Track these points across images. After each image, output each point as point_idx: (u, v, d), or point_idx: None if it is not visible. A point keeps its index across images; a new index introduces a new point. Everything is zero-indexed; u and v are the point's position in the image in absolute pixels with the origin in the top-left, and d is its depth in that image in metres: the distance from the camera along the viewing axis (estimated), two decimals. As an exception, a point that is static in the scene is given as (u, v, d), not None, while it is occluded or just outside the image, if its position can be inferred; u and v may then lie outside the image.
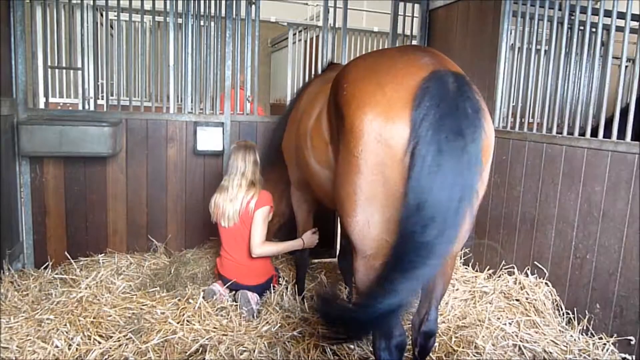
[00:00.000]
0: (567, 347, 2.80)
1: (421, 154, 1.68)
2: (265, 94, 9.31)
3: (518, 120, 3.64)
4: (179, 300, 3.13)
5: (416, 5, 4.82)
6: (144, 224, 4.22)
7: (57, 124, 3.47)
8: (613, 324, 2.82)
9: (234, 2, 4.17)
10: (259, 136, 4.38)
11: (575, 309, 3.06)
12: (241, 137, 4.34)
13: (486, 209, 3.74)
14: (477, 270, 3.85)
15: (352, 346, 2.76)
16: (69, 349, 2.59)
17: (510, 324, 2.99)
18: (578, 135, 3.13)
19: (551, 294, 3.19)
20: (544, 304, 3.13)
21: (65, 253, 3.92)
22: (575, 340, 2.88)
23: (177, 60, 4.22)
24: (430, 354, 2.71)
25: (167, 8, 4.15)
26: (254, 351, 2.62)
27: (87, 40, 4.39)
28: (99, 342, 2.66)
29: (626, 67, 4.57)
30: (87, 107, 4.25)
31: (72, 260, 3.80)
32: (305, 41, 6.70)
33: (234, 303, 3.21)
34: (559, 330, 2.97)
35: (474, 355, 2.72)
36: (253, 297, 3.25)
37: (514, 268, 3.51)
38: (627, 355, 2.72)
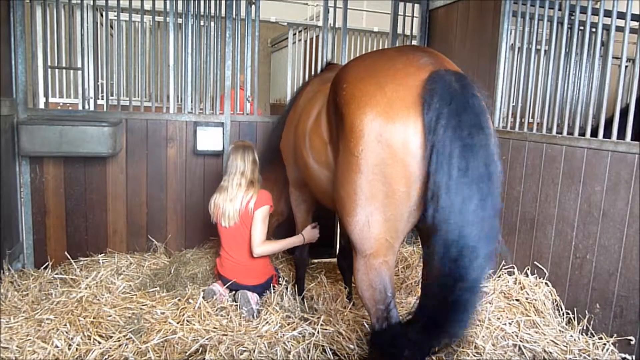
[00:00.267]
0: (567, 347, 2.80)
1: (445, 153, 1.68)
2: (265, 94, 9.32)
3: (518, 120, 3.64)
4: (179, 300, 3.13)
5: (416, 5, 4.82)
6: (144, 224, 4.22)
7: (57, 124, 3.47)
8: (613, 324, 2.82)
9: (234, 2, 4.17)
10: (259, 136, 4.39)
11: (575, 309, 3.06)
12: (241, 137, 4.35)
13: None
14: (477, 270, 3.85)
15: (351, 346, 2.76)
16: (69, 349, 2.59)
17: (510, 324, 2.99)
18: (578, 135, 3.13)
19: (551, 294, 3.19)
20: (544, 304, 3.13)
21: (65, 253, 3.92)
22: (575, 340, 2.88)
23: (177, 60, 4.22)
24: (430, 354, 2.71)
25: (167, 8, 4.15)
26: (254, 351, 2.62)
27: (87, 40, 4.39)
28: (99, 342, 2.66)
29: (626, 67, 4.57)
30: (87, 107, 4.25)
31: (72, 260, 3.80)
32: (305, 41, 6.70)
33: (234, 303, 3.21)
34: (559, 330, 2.97)
35: (474, 355, 2.71)
36: (253, 297, 3.25)
37: (514, 268, 3.51)
38: (627, 355, 2.72)
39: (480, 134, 1.71)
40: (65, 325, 2.79)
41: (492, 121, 1.98)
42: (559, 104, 3.41)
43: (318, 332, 2.80)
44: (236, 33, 4.25)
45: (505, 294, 3.35)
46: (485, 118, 1.76)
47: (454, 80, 1.80)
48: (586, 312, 2.98)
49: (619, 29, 2.97)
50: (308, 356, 2.65)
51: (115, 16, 4.22)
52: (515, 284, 3.38)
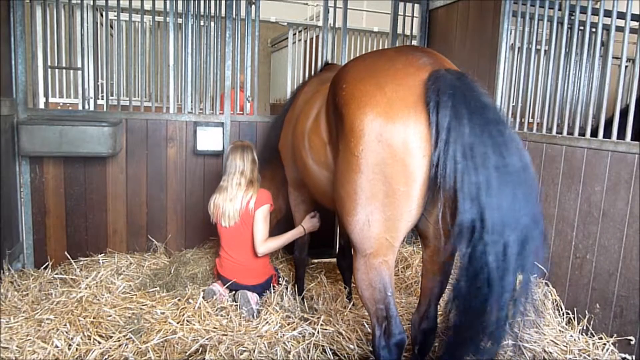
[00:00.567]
0: (567, 347, 2.80)
1: (479, 152, 1.64)
2: (265, 94, 9.31)
3: (518, 120, 3.64)
4: (179, 300, 3.13)
5: (416, 5, 4.82)
6: (144, 224, 4.22)
7: (57, 124, 3.47)
8: (613, 324, 2.82)
9: (234, 2, 4.17)
10: (259, 136, 4.39)
11: (575, 309, 3.06)
12: (241, 137, 4.35)
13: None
14: (477, 270, 3.85)
15: (351, 346, 2.76)
16: (69, 349, 2.59)
17: (510, 324, 2.98)
18: (578, 135, 3.13)
19: (551, 294, 3.19)
20: (544, 304, 3.13)
21: (65, 253, 3.92)
22: (575, 340, 2.88)
23: (177, 60, 4.22)
24: (430, 354, 2.71)
25: (167, 8, 4.15)
26: (254, 351, 2.62)
27: (87, 40, 4.39)
28: (99, 342, 2.66)
29: (626, 67, 4.57)
30: (87, 107, 4.25)
31: (72, 260, 3.80)
32: (305, 41, 6.69)
33: (234, 303, 3.21)
34: (559, 330, 2.97)
35: (474, 355, 2.71)
36: (253, 297, 3.25)
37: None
38: (627, 355, 2.72)
39: (504, 128, 1.71)
40: (65, 325, 2.79)
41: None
42: (559, 104, 3.41)
43: (318, 332, 2.80)
44: (236, 33, 4.25)
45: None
46: (501, 112, 1.76)
47: (456, 79, 1.81)
48: (586, 312, 2.98)
49: (619, 29, 2.97)
50: (308, 356, 2.65)
51: (115, 16, 4.22)
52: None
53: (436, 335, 2.34)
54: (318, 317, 2.98)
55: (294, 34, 6.70)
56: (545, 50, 3.69)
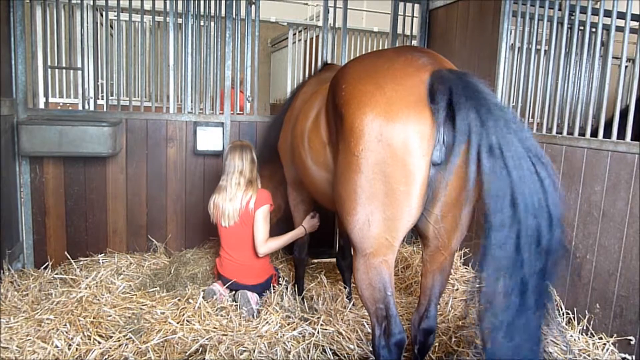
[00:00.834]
0: (567, 347, 2.80)
1: (511, 150, 1.65)
2: (265, 94, 9.31)
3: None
4: (179, 300, 3.13)
5: (416, 5, 4.82)
6: (144, 224, 4.22)
7: (57, 124, 3.47)
8: (613, 324, 2.82)
9: (234, 2, 4.17)
10: (259, 136, 4.38)
11: (575, 309, 3.06)
12: (241, 137, 4.35)
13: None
14: (477, 270, 3.85)
15: (351, 346, 2.76)
16: (69, 349, 2.59)
17: (510, 324, 2.99)
18: (578, 135, 3.13)
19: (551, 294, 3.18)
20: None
21: (65, 253, 3.92)
22: (575, 340, 2.88)
23: (177, 60, 4.22)
24: (430, 354, 2.72)
25: (167, 8, 4.15)
26: (254, 351, 2.62)
27: (87, 40, 4.39)
28: (99, 342, 2.66)
29: (626, 67, 4.57)
30: (87, 107, 4.25)
31: (72, 260, 3.80)
32: (305, 41, 6.69)
33: (234, 303, 3.21)
34: (559, 330, 2.97)
35: (474, 355, 2.71)
36: (253, 297, 3.25)
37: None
38: (627, 355, 2.72)
39: (521, 125, 1.73)
40: (65, 325, 2.79)
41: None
42: (559, 104, 3.41)
43: (318, 332, 2.80)
44: (236, 33, 4.25)
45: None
46: (509, 109, 1.78)
47: (459, 78, 1.81)
48: (586, 312, 2.98)
49: (619, 29, 2.97)
50: (308, 356, 2.65)
51: (115, 16, 4.22)
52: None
53: (436, 335, 2.34)
54: (318, 317, 2.98)
55: (294, 34, 6.69)
56: (545, 50, 3.69)
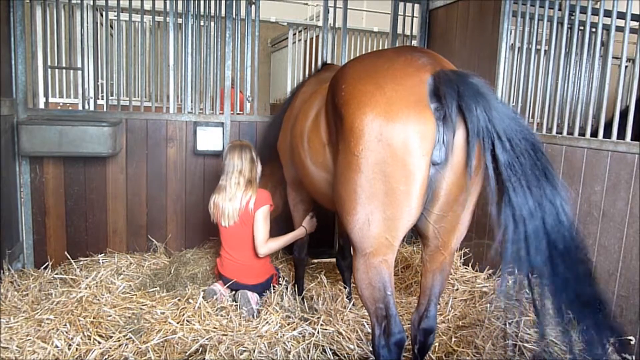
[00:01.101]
0: (567, 347, 2.80)
1: (504, 148, 1.74)
2: (265, 94, 9.31)
3: (518, 120, 3.63)
4: (179, 300, 3.13)
5: (416, 5, 4.82)
6: (144, 224, 4.22)
7: (57, 124, 3.47)
8: (613, 324, 2.82)
9: (234, 2, 4.17)
10: (259, 136, 4.39)
11: (575, 309, 3.05)
12: (241, 137, 4.35)
13: (486, 209, 3.74)
14: (477, 270, 3.85)
15: (351, 346, 2.76)
16: (69, 349, 2.59)
17: (510, 324, 2.99)
18: (578, 135, 3.13)
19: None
20: (544, 304, 3.13)
21: (65, 253, 3.92)
22: (575, 340, 2.88)
23: (177, 60, 4.22)
24: (430, 354, 2.72)
25: (167, 8, 4.15)
26: (254, 351, 2.62)
27: (87, 40, 4.39)
28: (99, 342, 2.66)
29: (626, 67, 4.57)
30: (87, 107, 4.25)
31: (72, 260, 3.80)
32: (305, 41, 6.69)
33: (234, 303, 3.21)
34: (559, 330, 2.97)
35: (474, 355, 2.72)
36: (253, 297, 3.25)
37: (513, 268, 3.50)
38: (627, 355, 2.72)
39: (526, 125, 1.80)
40: (65, 325, 2.79)
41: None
42: (559, 104, 3.41)
43: (318, 332, 2.80)
44: (236, 33, 4.25)
45: (505, 294, 3.34)
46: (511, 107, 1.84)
47: (464, 79, 1.82)
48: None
49: (619, 29, 2.97)
50: (308, 356, 2.65)
51: (115, 16, 4.22)
52: (515, 283, 3.38)
53: (436, 335, 2.34)
54: (318, 317, 2.98)
55: (294, 34, 6.70)
56: (545, 50, 3.69)
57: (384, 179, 1.85)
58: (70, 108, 5.36)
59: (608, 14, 3.04)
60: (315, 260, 4.39)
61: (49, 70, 4.12)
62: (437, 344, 2.82)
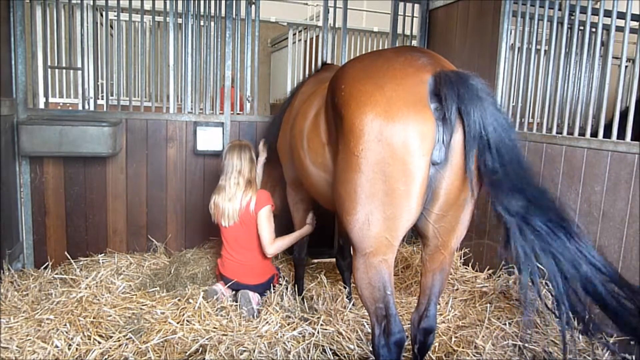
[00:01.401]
0: (567, 347, 2.80)
1: (494, 146, 1.79)
2: (265, 94, 9.31)
3: (518, 120, 3.64)
4: (179, 300, 3.13)
5: (416, 5, 4.82)
6: (144, 224, 4.22)
7: (57, 124, 3.47)
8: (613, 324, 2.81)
9: (234, 2, 4.17)
10: (259, 136, 4.39)
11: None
12: (241, 137, 4.35)
13: (485, 209, 3.74)
14: (477, 270, 3.85)
15: (351, 346, 2.76)
16: (69, 349, 2.59)
17: (510, 324, 2.99)
18: (578, 135, 3.13)
19: (551, 294, 3.18)
20: (544, 304, 3.13)
21: (65, 253, 3.92)
22: (575, 340, 2.88)
23: (177, 60, 4.22)
24: (430, 354, 2.72)
25: (167, 8, 4.15)
26: (254, 351, 2.62)
27: (87, 40, 4.39)
28: (99, 342, 2.66)
29: (626, 67, 4.57)
30: (87, 107, 4.25)
31: (72, 260, 3.80)
32: (305, 41, 6.69)
33: (234, 303, 3.21)
34: (559, 330, 2.97)
35: (474, 355, 2.72)
36: (254, 297, 3.25)
37: (513, 268, 3.51)
38: (627, 355, 2.72)
39: (512, 128, 1.85)
40: (65, 325, 2.79)
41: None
42: (559, 104, 3.41)
43: (318, 332, 2.80)
44: (236, 33, 4.25)
45: (505, 294, 3.35)
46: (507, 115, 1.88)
47: (465, 81, 1.82)
48: (586, 312, 2.98)
49: (619, 29, 2.97)
50: (308, 356, 2.65)
51: (115, 16, 4.22)
52: (515, 284, 3.38)
53: (436, 335, 2.34)
54: (318, 317, 2.98)
55: (294, 34, 6.70)
56: (545, 50, 3.69)
57: (384, 178, 1.85)
58: (70, 108, 5.36)
59: (608, 14, 3.04)
60: (315, 260, 4.39)
61: (49, 70, 4.12)
62: (437, 344, 2.82)
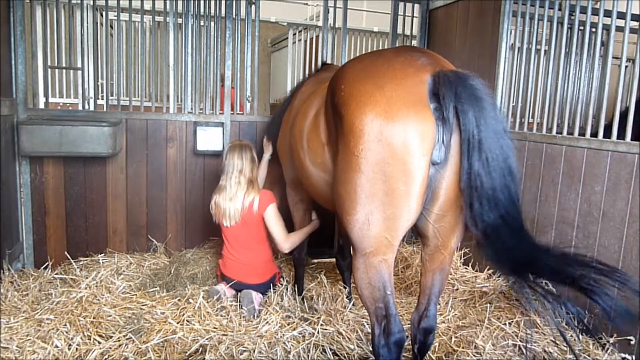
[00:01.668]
0: (567, 347, 2.80)
1: (486, 147, 1.80)
2: (265, 94, 9.31)
3: (518, 120, 3.64)
4: (179, 300, 3.13)
5: (416, 5, 4.82)
6: (144, 224, 4.22)
7: (57, 124, 3.47)
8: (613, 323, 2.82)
9: (234, 2, 4.17)
10: (259, 136, 4.39)
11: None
12: (241, 137, 4.35)
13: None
14: (477, 270, 3.86)
15: (351, 346, 2.76)
16: (69, 349, 2.59)
17: (510, 324, 2.99)
18: (578, 135, 3.13)
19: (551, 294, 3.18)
20: (544, 303, 3.13)
21: (65, 253, 3.92)
22: (575, 340, 2.88)
23: (177, 60, 4.22)
24: (430, 354, 2.72)
25: (167, 8, 4.15)
26: (254, 351, 2.62)
27: (87, 40, 4.39)
28: (99, 342, 2.66)
29: (626, 67, 4.57)
30: (87, 107, 4.25)
31: (72, 260, 3.80)
32: (305, 41, 6.69)
33: (235, 303, 3.21)
34: (559, 330, 2.97)
35: (474, 355, 2.71)
36: (257, 297, 3.24)
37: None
38: (627, 355, 2.72)
39: (507, 134, 1.86)
40: (65, 325, 2.79)
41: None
42: (559, 104, 3.41)
43: (318, 332, 2.80)
44: (236, 33, 4.25)
45: (505, 294, 3.35)
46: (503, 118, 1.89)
47: (463, 81, 1.82)
48: (586, 312, 2.98)
49: (619, 29, 2.97)
50: (308, 356, 2.65)
51: (115, 16, 4.22)
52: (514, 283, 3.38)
53: (436, 335, 2.34)
54: (318, 317, 2.98)
55: (294, 34, 6.70)
56: (545, 50, 3.69)
57: (384, 178, 1.85)
58: (70, 108, 5.36)
59: (608, 14, 3.04)
60: (315, 260, 4.39)
61: (49, 70, 4.12)
62: (437, 344, 2.82)
